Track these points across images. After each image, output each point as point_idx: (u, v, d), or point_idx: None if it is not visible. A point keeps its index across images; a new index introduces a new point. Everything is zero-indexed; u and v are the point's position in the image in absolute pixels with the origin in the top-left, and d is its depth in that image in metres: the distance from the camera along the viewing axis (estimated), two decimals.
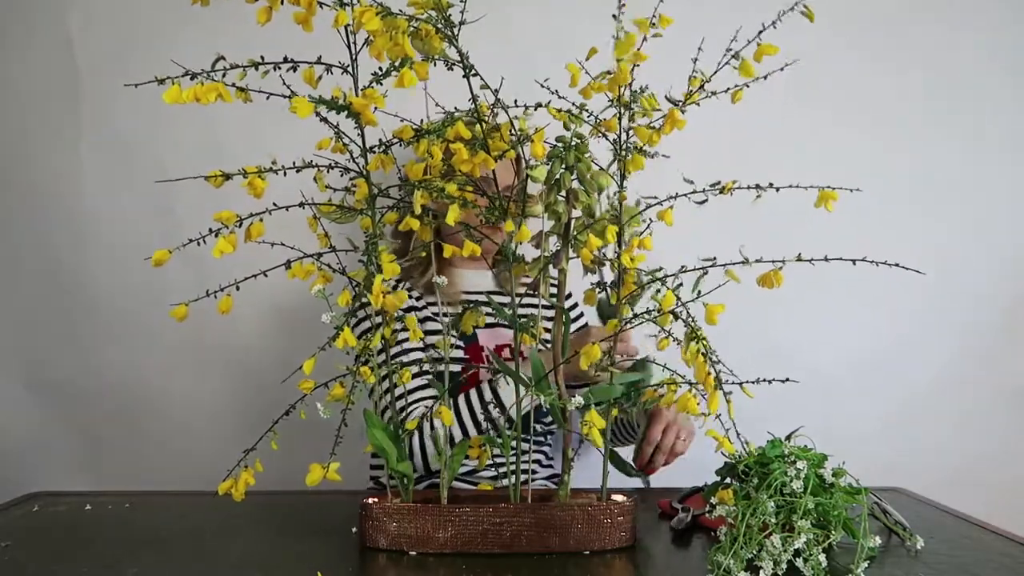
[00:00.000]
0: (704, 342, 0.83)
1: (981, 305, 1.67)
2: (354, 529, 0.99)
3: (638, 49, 0.85)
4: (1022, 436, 1.70)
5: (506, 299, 1.21)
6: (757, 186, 0.88)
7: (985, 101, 1.65)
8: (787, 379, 0.86)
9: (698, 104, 0.88)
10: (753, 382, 0.86)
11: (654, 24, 0.85)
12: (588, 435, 0.87)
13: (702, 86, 0.87)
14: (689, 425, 1.21)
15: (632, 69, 0.86)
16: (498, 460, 1.02)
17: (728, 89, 0.87)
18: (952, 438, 1.67)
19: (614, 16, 0.84)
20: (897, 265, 0.84)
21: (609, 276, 0.93)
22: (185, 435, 1.66)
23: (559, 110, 0.90)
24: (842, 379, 1.64)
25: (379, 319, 0.93)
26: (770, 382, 0.86)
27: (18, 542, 0.98)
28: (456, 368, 1.21)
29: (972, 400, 1.68)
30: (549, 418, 1.40)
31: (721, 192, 0.89)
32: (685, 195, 0.89)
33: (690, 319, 0.86)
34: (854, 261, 0.84)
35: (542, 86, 0.89)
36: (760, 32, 0.84)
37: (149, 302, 1.59)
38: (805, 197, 0.88)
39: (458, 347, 1.31)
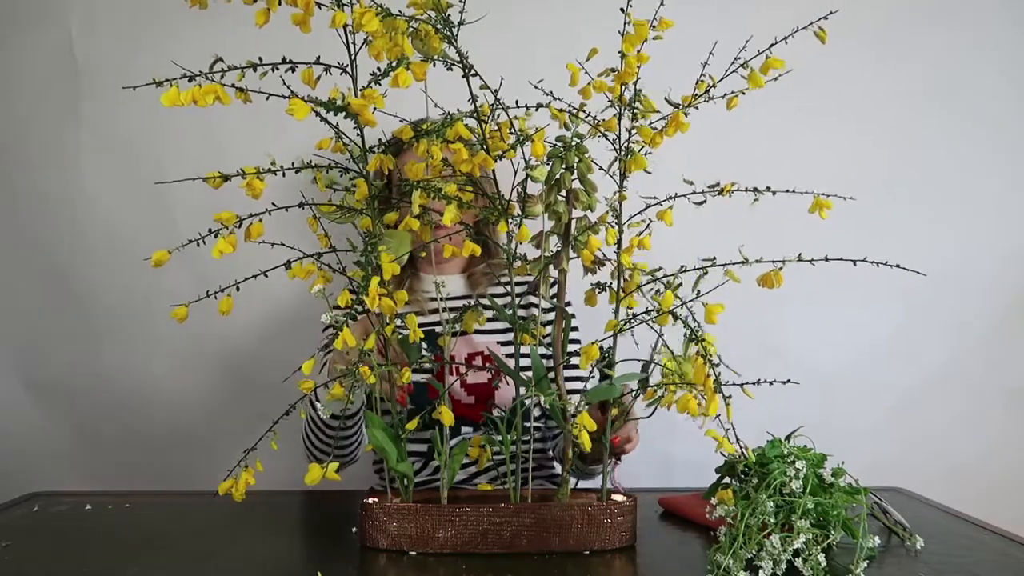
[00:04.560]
0: (703, 344, 0.82)
1: (979, 305, 1.67)
2: (354, 529, 0.99)
3: (639, 51, 0.85)
4: (1021, 436, 1.70)
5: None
6: (755, 189, 0.89)
7: (982, 102, 1.65)
8: (788, 380, 0.86)
9: (696, 108, 0.88)
10: (754, 383, 0.86)
11: (654, 27, 0.85)
12: (578, 437, 0.87)
13: (708, 91, 0.87)
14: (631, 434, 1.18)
15: (638, 68, 0.86)
16: (497, 459, 1.02)
17: (725, 95, 0.87)
18: (951, 437, 1.67)
19: (622, 10, 0.84)
20: (898, 266, 0.84)
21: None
22: (185, 435, 1.66)
23: (560, 110, 0.90)
24: (841, 378, 1.64)
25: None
26: (771, 383, 0.86)
27: (18, 542, 0.98)
28: (419, 378, 1.18)
29: (971, 399, 1.68)
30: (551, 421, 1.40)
31: (720, 194, 0.89)
32: (684, 196, 0.89)
33: (690, 319, 0.85)
34: (855, 262, 0.84)
35: (535, 87, 0.89)
36: (771, 46, 0.84)
37: (149, 302, 1.59)
38: (804, 198, 0.89)
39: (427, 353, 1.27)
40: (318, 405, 1.12)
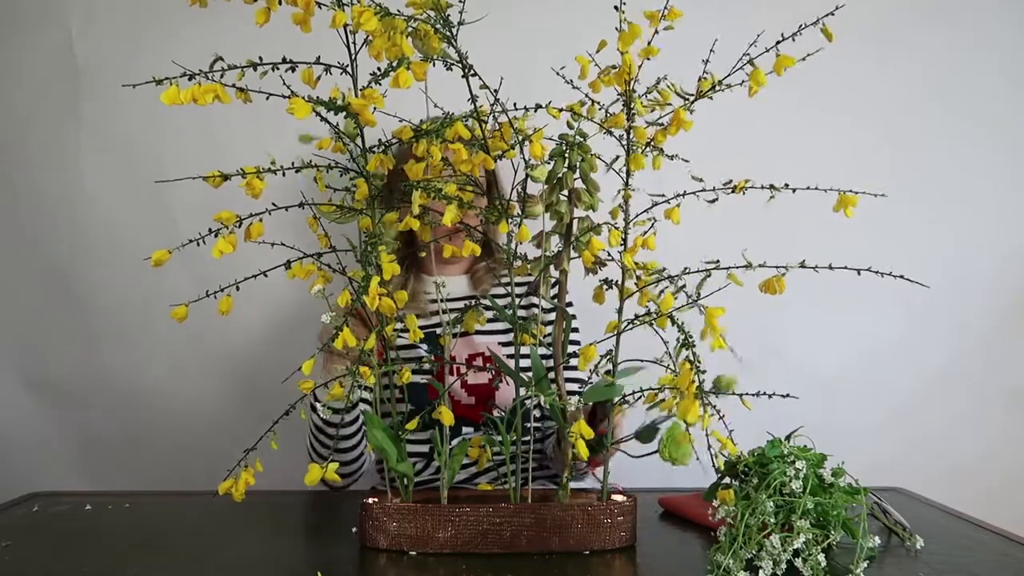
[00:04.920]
0: (693, 349, 0.82)
1: (979, 305, 1.67)
2: (354, 529, 0.99)
3: (650, 43, 0.85)
4: (1021, 436, 1.70)
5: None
6: (772, 186, 0.87)
7: (982, 102, 1.65)
8: (787, 395, 0.86)
9: (711, 97, 0.88)
10: (754, 395, 0.86)
11: (664, 17, 0.84)
12: (574, 445, 0.86)
13: (713, 87, 0.87)
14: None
15: (640, 65, 0.85)
16: (497, 459, 1.02)
17: (743, 82, 0.86)
18: (951, 437, 1.67)
19: (616, 8, 0.84)
20: (903, 277, 0.84)
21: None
22: (185, 435, 1.66)
23: (560, 110, 0.90)
24: (842, 378, 1.64)
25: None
26: (770, 396, 0.86)
27: (18, 542, 0.98)
28: (419, 378, 1.19)
29: (971, 399, 1.68)
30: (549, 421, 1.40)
31: (733, 191, 0.88)
32: (694, 193, 0.88)
33: (683, 324, 0.85)
34: (859, 271, 0.84)
35: (558, 74, 0.88)
36: (777, 43, 0.84)
37: (149, 302, 1.59)
38: (804, 198, 0.88)
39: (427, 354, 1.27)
40: (318, 406, 1.12)
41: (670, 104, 0.89)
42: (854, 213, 0.86)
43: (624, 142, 0.90)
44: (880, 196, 0.86)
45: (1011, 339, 1.68)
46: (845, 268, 0.84)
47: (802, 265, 0.84)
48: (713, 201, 0.88)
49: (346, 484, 1.30)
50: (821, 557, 0.79)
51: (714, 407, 0.82)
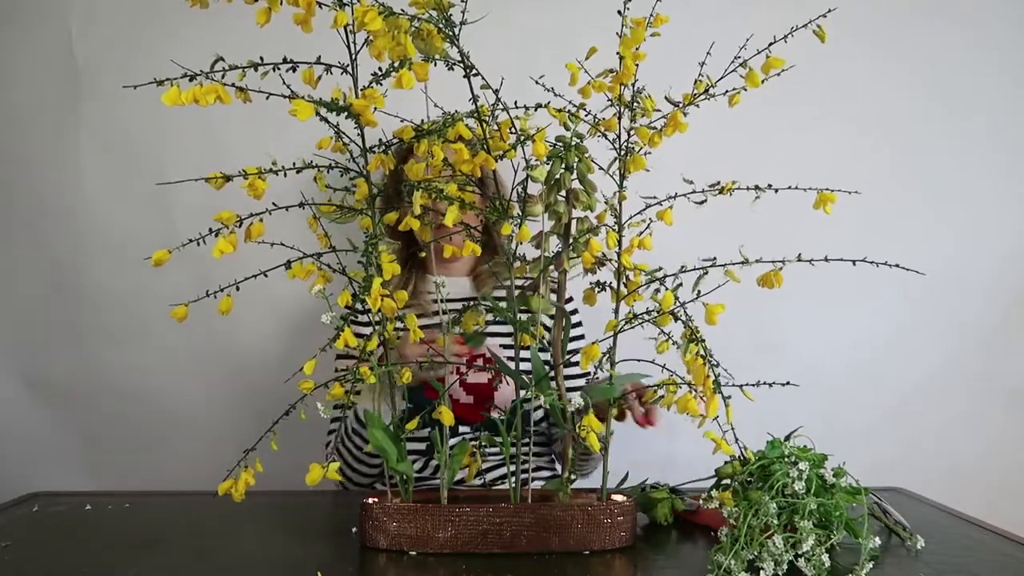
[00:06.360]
0: (703, 344, 0.82)
1: (979, 304, 1.67)
2: (354, 529, 0.99)
3: (638, 48, 0.85)
4: (1021, 436, 1.70)
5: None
6: (756, 187, 0.88)
7: (982, 102, 1.65)
8: (787, 383, 0.86)
9: (697, 106, 0.88)
10: (754, 385, 0.86)
11: (651, 24, 0.85)
12: (586, 439, 0.87)
13: (707, 90, 0.87)
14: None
15: (636, 67, 0.86)
16: (494, 458, 1.02)
17: (727, 92, 0.87)
18: (951, 437, 1.67)
19: (619, 12, 0.84)
20: (897, 266, 0.84)
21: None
22: (185, 435, 1.66)
23: (559, 110, 0.90)
24: (841, 378, 1.64)
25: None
26: (771, 385, 0.86)
27: (18, 542, 0.98)
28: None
29: (971, 399, 1.68)
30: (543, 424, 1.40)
31: (720, 192, 0.89)
32: (684, 195, 0.89)
33: (689, 320, 0.85)
34: (854, 262, 0.84)
35: (537, 82, 0.89)
36: (770, 44, 0.84)
37: (149, 302, 1.59)
38: (803, 197, 0.88)
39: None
40: (358, 407, 1.10)
41: (658, 111, 0.89)
42: (833, 210, 0.87)
43: (618, 145, 0.90)
44: (855, 193, 0.87)
45: (1011, 339, 1.69)
46: (840, 260, 0.84)
47: (799, 259, 0.85)
48: (701, 203, 0.89)
49: (362, 484, 1.29)
50: (825, 557, 0.79)
51: (727, 399, 0.83)
